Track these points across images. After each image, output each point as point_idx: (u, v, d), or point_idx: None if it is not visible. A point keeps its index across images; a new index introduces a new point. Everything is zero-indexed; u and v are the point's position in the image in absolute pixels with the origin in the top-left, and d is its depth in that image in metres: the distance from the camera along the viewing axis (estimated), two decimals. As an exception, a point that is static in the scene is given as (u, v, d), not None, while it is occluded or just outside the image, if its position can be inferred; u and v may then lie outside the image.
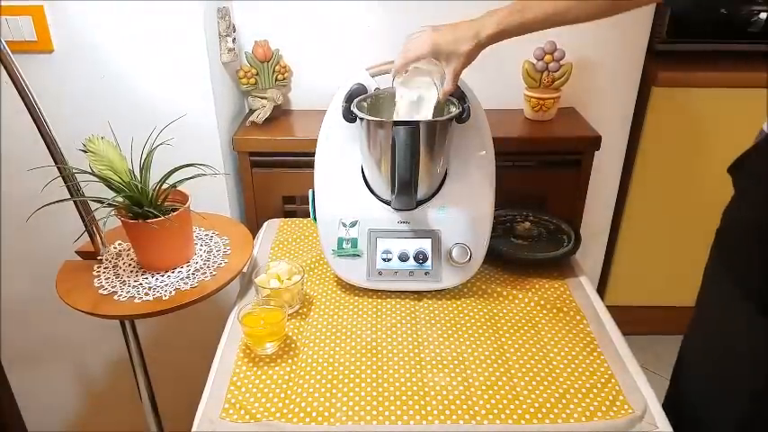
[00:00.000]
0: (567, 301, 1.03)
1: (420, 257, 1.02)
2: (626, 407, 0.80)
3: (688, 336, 0.89)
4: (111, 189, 0.96)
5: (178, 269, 1.02)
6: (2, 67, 0.89)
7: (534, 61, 1.36)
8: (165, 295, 0.96)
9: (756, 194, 0.72)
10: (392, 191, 0.99)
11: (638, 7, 0.87)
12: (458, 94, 0.99)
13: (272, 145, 1.33)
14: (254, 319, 0.92)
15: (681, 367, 0.91)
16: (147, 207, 0.96)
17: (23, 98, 0.91)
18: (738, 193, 0.76)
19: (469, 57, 0.90)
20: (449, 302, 1.02)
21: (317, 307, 1.01)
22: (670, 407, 0.84)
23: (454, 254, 1.02)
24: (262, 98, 1.38)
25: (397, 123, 0.92)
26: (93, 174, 0.95)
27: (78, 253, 1.06)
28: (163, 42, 1.18)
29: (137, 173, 0.98)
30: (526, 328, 0.96)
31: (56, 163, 0.96)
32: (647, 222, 1.72)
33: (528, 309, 1.01)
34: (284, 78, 1.40)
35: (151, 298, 0.95)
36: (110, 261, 1.05)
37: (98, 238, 1.05)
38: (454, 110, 0.98)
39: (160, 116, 1.13)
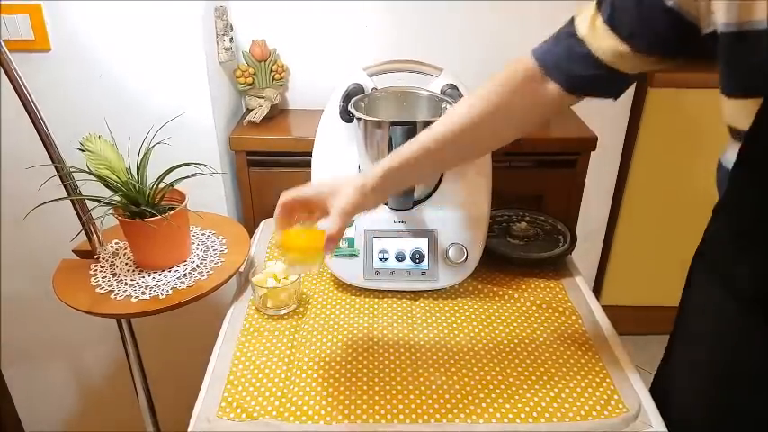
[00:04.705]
0: (563, 301, 1.03)
1: (417, 257, 1.03)
2: (620, 406, 0.81)
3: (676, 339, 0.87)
4: (109, 188, 0.96)
5: (175, 268, 1.02)
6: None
7: (531, 62, 1.36)
8: (162, 294, 0.96)
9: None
10: (389, 191, 0.99)
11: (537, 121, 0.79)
12: (455, 95, 0.99)
13: (270, 144, 1.33)
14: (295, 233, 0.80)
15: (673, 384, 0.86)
16: (145, 206, 0.96)
17: (21, 97, 0.91)
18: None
19: (357, 194, 0.76)
20: (445, 302, 1.03)
21: (313, 306, 1.02)
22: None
23: (451, 254, 1.02)
24: (259, 97, 1.38)
25: (394, 123, 0.92)
26: (90, 173, 0.95)
27: (75, 252, 1.06)
28: (160, 42, 1.18)
29: (134, 172, 0.98)
30: (522, 327, 0.97)
31: (53, 162, 0.96)
32: (642, 222, 1.73)
33: (524, 308, 1.01)
34: (281, 78, 1.40)
35: (148, 297, 0.95)
36: (107, 260, 1.05)
37: (95, 236, 1.05)
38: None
39: (157, 115, 1.14)
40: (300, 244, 0.78)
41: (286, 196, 0.78)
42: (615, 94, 0.75)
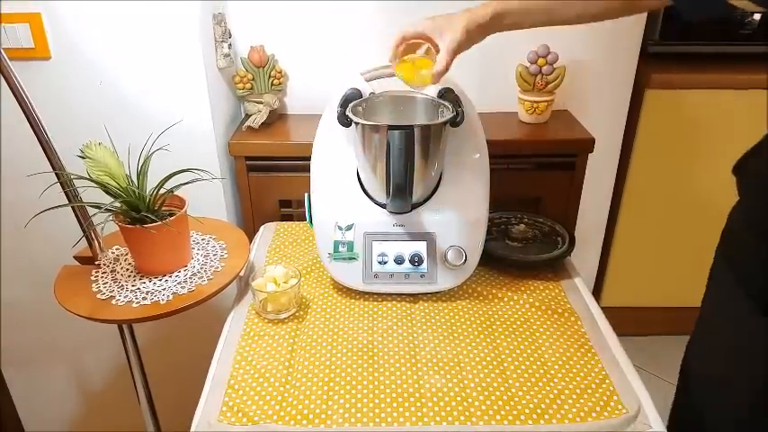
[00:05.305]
0: (562, 303, 1.04)
1: (415, 260, 1.03)
2: (620, 407, 0.81)
3: (692, 341, 0.88)
4: (109, 194, 0.97)
5: (175, 273, 1.03)
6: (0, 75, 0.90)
7: (528, 65, 1.37)
8: (163, 300, 0.96)
9: (758, 195, 0.71)
10: (387, 194, 1.00)
11: (650, 9, 0.88)
12: (452, 99, 1.00)
13: (269, 149, 1.33)
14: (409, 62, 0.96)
15: (687, 373, 0.89)
16: (145, 212, 0.97)
17: (21, 105, 0.92)
18: (742, 194, 0.75)
19: (464, 34, 0.87)
20: (444, 305, 1.03)
21: (313, 310, 1.02)
22: (682, 419, 0.83)
23: (449, 256, 1.02)
24: (258, 103, 1.38)
25: (391, 128, 0.93)
26: (90, 179, 0.96)
27: (76, 258, 1.07)
28: (159, 48, 1.19)
29: (134, 178, 0.99)
30: (521, 329, 0.97)
31: (54, 169, 0.97)
32: (641, 224, 1.73)
33: (523, 310, 1.02)
34: (280, 83, 1.41)
35: (149, 302, 0.96)
36: (107, 266, 1.06)
37: (96, 243, 1.05)
38: (448, 114, 0.99)
39: (157, 122, 1.15)
40: (413, 71, 0.94)
41: (405, 27, 0.93)
42: (710, 15, 0.80)
